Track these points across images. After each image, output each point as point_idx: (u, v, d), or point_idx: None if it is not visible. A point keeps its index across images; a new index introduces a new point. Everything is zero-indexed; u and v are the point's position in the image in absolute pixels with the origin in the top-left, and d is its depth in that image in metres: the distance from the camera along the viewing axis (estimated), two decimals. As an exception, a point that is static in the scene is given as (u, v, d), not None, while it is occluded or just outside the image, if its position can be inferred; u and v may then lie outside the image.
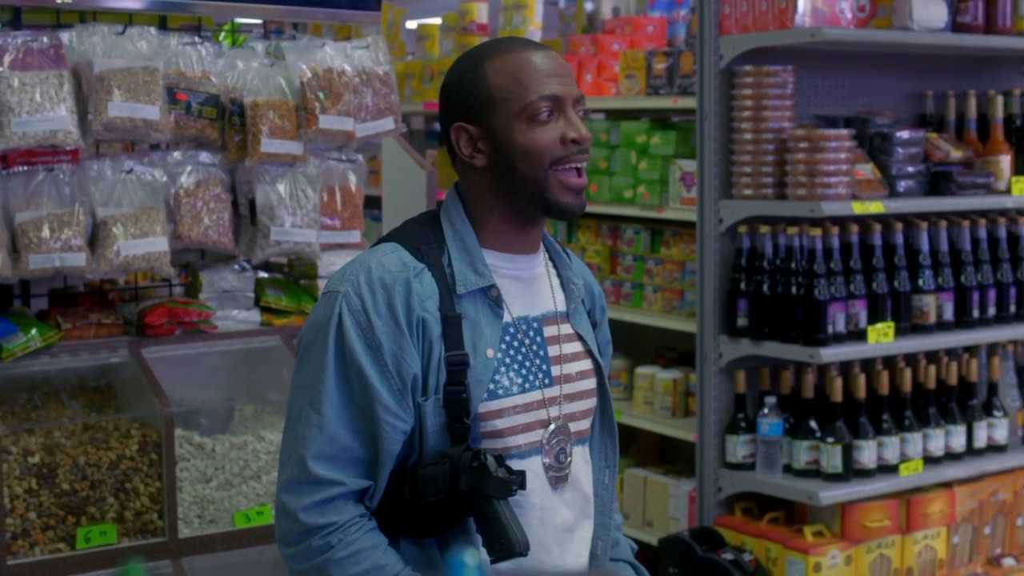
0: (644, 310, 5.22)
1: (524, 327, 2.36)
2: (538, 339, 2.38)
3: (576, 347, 2.44)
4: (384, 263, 2.28)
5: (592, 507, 2.48)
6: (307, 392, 2.27)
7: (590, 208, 5.36)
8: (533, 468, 2.34)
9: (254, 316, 3.77)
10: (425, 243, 2.32)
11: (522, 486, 2.28)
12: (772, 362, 4.61)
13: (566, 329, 2.43)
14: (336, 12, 4.06)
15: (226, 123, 3.63)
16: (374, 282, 2.26)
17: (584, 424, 2.45)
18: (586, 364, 2.46)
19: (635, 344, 5.49)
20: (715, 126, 4.59)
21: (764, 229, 4.50)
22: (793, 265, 4.42)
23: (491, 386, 2.29)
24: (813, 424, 4.49)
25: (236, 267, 3.78)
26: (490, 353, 2.30)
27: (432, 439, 2.27)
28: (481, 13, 6.66)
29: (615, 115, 5.67)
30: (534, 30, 6.26)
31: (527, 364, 2.35)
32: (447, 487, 2.22)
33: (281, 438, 2.35)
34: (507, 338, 2.33)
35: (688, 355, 5.03)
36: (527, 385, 2.34)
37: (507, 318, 2.34)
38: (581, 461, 2.45)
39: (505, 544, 2.22)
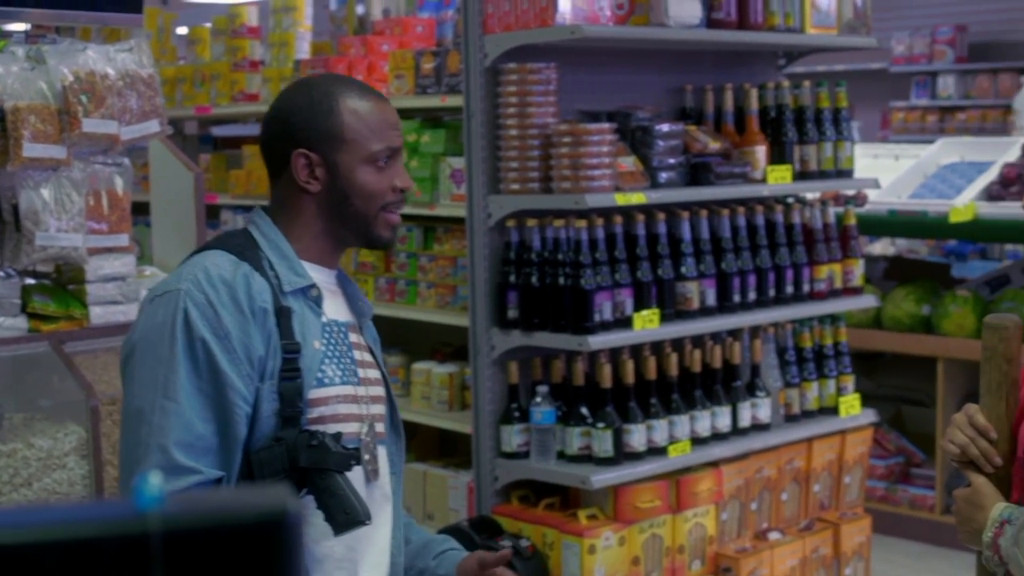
0: (419, 306, 5.29)
1: (336, 329, 2.53)
2: (347, 341, 2.55)
3: (368, 357, 2.64)
4: (218, 263, 2.42)
5: (390, 504, 2.63)
6: (157, 386, 2.33)
7: (364, 207, 5.41)
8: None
9: (21, 323, 3.72)
10: (247, 249, 2.47)
11: (358, 461, 2.42)
12: (543, 352, 4.73)
13: (362, 340, 2.62)
14: (100, 15, 4.04)
15: (-15, 128, 3.58)
16: (214, 279, 2.38)
17: (382, 427, 2.63)
18: (376, 373, 2.65)
19: (411, 340, 5.57)
20: (482, 123, 4.69)
21: (532, 222, 4.61)
22: (560, 256, 4.54)
23: (319, 375, 2.44)
24: (584, 411, 4.62)
25: (1, 274, 3.74)
26: (317, 345, 2.45)
27: (264, 424, 2.38)
28: (251, 16, 6.66)
29: (386, 114, 5.74)
30: (304, 32, 6.29)
31: (343, 362, 2.52)
32: (286, 467, 2.33)
33: (120, 439, 2.40)
34: (326, 336, 2.50)
35: (464, 349, 5.12)
36: (345, 379, 2.50)
37: (324, 319, 2.50)
38: (383, 461, 2.62)
39: (351, 514, 2.36)
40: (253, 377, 2.36)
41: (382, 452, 2.61)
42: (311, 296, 2.48)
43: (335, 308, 2.57)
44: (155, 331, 2.36)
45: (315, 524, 2.37)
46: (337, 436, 2.38)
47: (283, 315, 2.40)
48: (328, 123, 2.49)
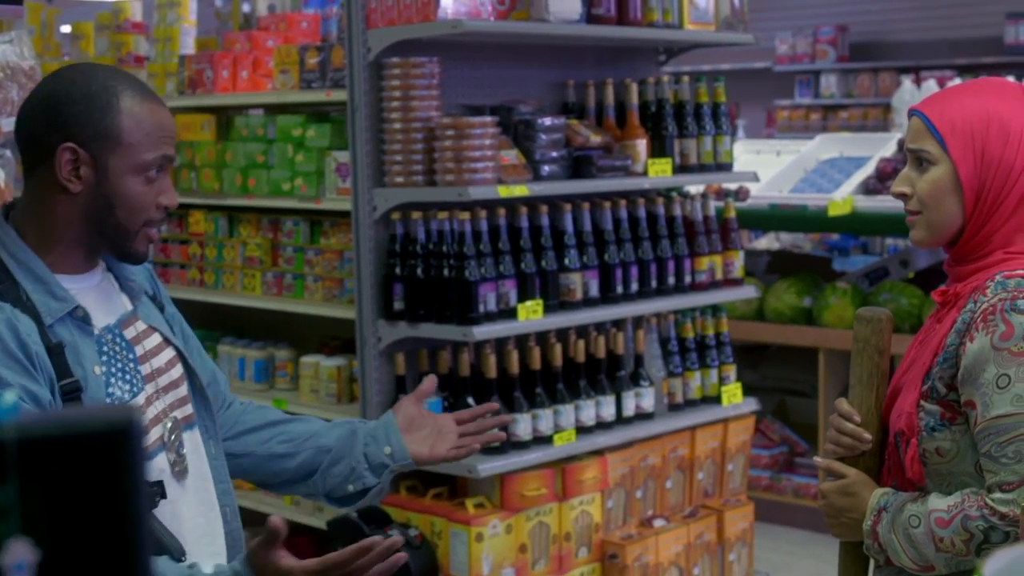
0: (306, 300, 5.32)
1: (110, 336, 2.40)
2: (123, 343, 2.42)
3: (155, 339, 2.50)
4: None
5: (211, 483, 2.56)
6: None
7: (250, 202, 5.44)
8: (160, 466, 2.40)
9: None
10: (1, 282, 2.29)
11: (163, 495, 2.35)
12: (430, 343, 4.78)
13: (141, 326, 2.48)
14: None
15: None
16: None
17: (188, 409, 2.53)
18: (170, 352, 2.52)
19: (299, 334, 5.60)
20: (366, 117, 4.73)
21: (416, 215, 4.66)
22: (445, 248, 4.60)
23: (107, 400, 2.32)
24: (471, 400, 4.67)
25: None
26: (97, 370, 2.32)
27: None
28: (136, 11, 6.63)
29: (271, 110, 5.77)
30: (189, 27, 6.28)
31: (126, 370, 2.40)
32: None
33: None
34: (105, 350, 2.37)
35: (352, 342, 5.15)
36: (134, 390, 2.39)
37: (95, 332, 2.37)
38: (192, 446, 2.52)
39: (163, 553, 2.29)
40: None
41: (189, 437, 2.50)
42: (77, 317, 2.32)
43: (104, 310, 2.42)
44: None
45: None
46: None
47: (55, 353, 2.25)
48: (105, 121, 2.29)
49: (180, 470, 2.45)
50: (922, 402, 2.52)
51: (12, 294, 2.27)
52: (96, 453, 0.71)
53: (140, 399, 2.40)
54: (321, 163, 5.17)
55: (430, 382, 2.81)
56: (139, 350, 2.45)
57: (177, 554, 2.31)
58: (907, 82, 10.47)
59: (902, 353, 2.73)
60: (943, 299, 2.60)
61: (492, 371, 4.66)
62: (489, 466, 4.58)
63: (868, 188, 6.94)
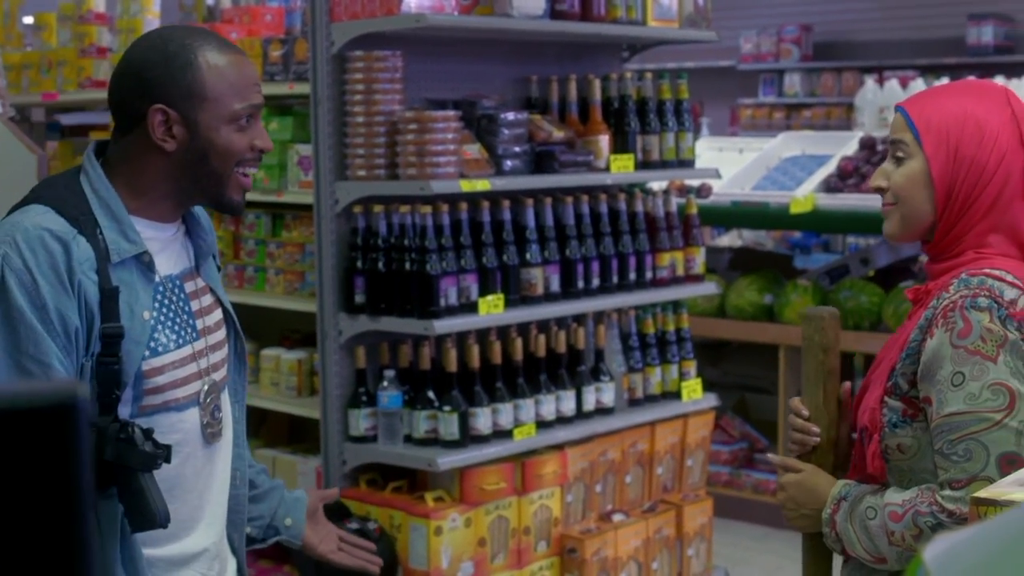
0: (267, 293, 5.31)
1: (170, 286, 2.49)
2: (182, 296, 2.52)
3: (209, 299, 2.61)
4: (40, 223, 2.32)
5: (230, 446, 2.66)
6: None
7: (212, 194, 5.42)
8: (192, 420, 2.50)
9: None
10: (74, 208, 2.38)
11: (167, 459, 2.39)
12: (391, 337, 4.78)
13: (200, 283, 2.58)
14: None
15: None
16: (33, 241, 2.30)
17: (225, 370, 2.63)
18: (219, 314, 2.63)
19: (260, 327, 5.58)
20: (329, 110, 4.73)
21: (378, 208, 4.66)
22: (406, 242, 4.60)
23: (151, 344, 2.41)
24: (431, 394, 4.69)
25: None
26: (146, 315, 2.41)
27: None
28: (99, 2, 6.60)
29: (235, 102, 5.75)
30: (152, 19, 6.26)
31: (178, 321, 2.49)
32: (92, 456, 2.25)
33: None
34: (159, 297, 2.45)
35: (313, 336, 5.15)
36: (180, 341, 2.48)
37: (157, 278, 2.46)
38: (226, 408, 2.64)
39: (147, 516, 2.34)
40: (71, 350, 2.30)
41: (225, 399, 2.62)
42: (143, 261, 2.41)
43: (170, 261, 2.51)
44: None
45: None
46: (149, 432, 2.34)
47: (108, 296, 2.33)
48: (188, 79, 2.40)
49: (213, 432, 2.55)
50: (886, 398, 2.55)
51: (85, 223, 2.35)
52: (40, 428, 0.72)
53: (187, 350, 2.48)
54: (283, 156, 5.17)
55: (333, 492, 3.10)
56: (195, 305, 2.54)
57: (160, 519, 2.35)
58: (870, 82, 10.49)
59: (862, 351, 2.76)
60: (915, 296, 2.63)
61: (453, 365, 4.67)
62: (449, 460, 4.59)
63: (830, 186, 6.97)
